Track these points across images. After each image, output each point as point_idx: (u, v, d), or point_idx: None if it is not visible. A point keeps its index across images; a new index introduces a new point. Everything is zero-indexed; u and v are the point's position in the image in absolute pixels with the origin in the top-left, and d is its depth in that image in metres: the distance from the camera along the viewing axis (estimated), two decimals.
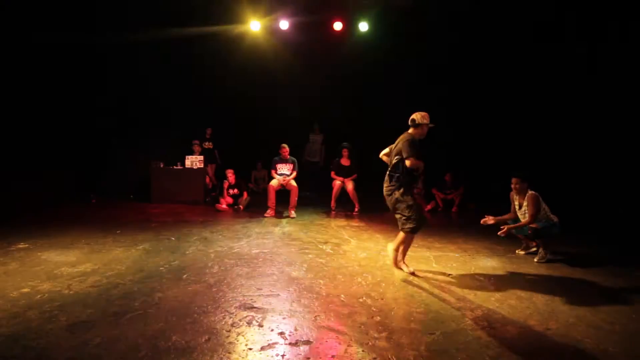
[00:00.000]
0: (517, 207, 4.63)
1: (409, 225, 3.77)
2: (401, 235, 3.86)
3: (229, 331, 2.64)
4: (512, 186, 4.62)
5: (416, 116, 3.87)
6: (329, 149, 9.42)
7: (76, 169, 8.25)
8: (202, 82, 9.45)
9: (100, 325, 2.69)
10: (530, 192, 4.47)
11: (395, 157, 3.82)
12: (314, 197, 8.86)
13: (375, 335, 2.64)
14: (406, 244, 3.92)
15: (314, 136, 9.89)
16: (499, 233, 4.44)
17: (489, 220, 4.50)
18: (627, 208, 6.44)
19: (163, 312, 2.91)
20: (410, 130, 3.88)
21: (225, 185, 7.61)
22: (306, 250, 4.68)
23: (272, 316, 2.88)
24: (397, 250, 3.95)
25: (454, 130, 9.21)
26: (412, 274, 3.84)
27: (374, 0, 8.17)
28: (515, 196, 4.66)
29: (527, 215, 4.45)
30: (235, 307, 3.01)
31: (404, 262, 3.96)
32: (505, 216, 4.66)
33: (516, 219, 4.63)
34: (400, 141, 3.82)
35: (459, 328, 2.77)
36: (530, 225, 4.39)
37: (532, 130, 8.29)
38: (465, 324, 2.84)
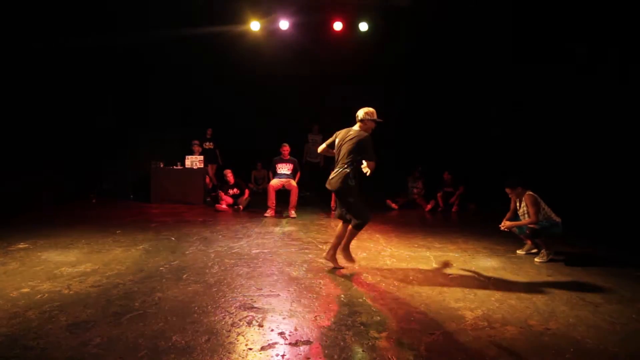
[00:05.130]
0: (518, 206, 4.65)
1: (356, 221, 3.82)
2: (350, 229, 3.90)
3: (229, 331, 2.64)
4: (509, 196, 4.68)
5: (359, 112, 3.84)
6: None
7: (76, 169, 8.26)
8: (202, 82, 9.45)
9: (100, 325, 2.69)
10: (528, 193, 4.48)
11: (350, 155, 3.73)
12: (314, 197, 8.86)
13: (375, 335, 2.64)
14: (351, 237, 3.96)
15: (313, 136, 9.89)
16: (500, 226, 4.55)
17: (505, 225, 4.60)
18: (626, 208, 6.43)
19: (163, 312, 2.91)
20: (357, 127, 3.83)
21: (222, 195, 7.55)
22: (306, 250, 4.68)
23: (272, 316, 2.88)
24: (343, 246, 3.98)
25: (453, 129, 9.23)
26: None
27: (374, 0, 8.17)
28: (515, 198, 4.69)
29: (527, 215, 4.47)
30: (235, 307, 3.01)
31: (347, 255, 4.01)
32: (507, 215, 4.70)
33: (514, 218, 4.65)
34: (354, 139, 3.73)
35: (459, 328, 2.77)
36: (529, 225, 4.41)
37: (533, 131, 8.29)
38: (465, 324, 2.84)
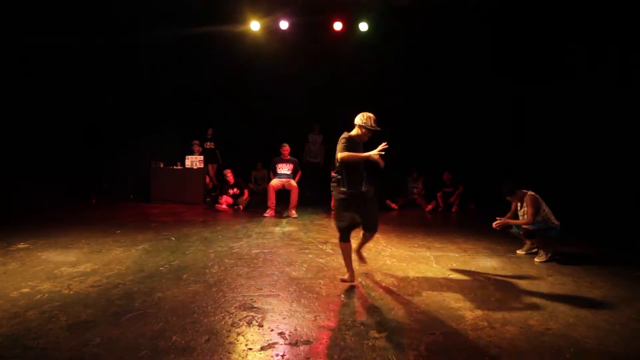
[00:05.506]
0: (518, 206, 4.64)
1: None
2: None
3: (229, 331, 2.64)
4: (511, 200, 4.68)
5: (357, 117, 3.65)
6: (329, 148, 9.42)
7: (76, 169, 8.26)
8: (202, 82, 9.45)
9: (100, 325, 2.69)
10: (529, 193, 4.47)
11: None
12: (315, 197, 8.85)
13: (375, 335, 2.64)
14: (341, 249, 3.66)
15: (313, 136, 9.89)
16: (493, 224, 4.50)
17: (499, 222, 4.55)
18: (626, 208, 6.43)
19: (163, 312, 2.91)
20: (354, 131, 3.66)
21: (222, 200, 7.54)
22: (306, 250, 4.68)
23: (272, 316, 2.88)
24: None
25: (453, 129, 9.23)
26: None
27: (374, 0, 8.16)
28: (516, 202, 4.68)
29: (526, 215, 4.47)
30: (235, 307, 3.01)
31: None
32: (507, 215, 4.69)
33: (515, 218, 4.65)
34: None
35: (459, 328, 2.77)
36: (523, 226, 4.42)
37: (533, 130, 8.29)
38: (465, 324, 2.84)
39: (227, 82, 9.38)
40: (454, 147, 9.05)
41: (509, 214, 4.70)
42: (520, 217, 4.58)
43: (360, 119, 3.64)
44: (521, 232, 4.49)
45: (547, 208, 4.47)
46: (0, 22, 6.37)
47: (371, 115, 3.64)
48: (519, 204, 4.64)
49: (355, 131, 3.66)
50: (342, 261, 4.24)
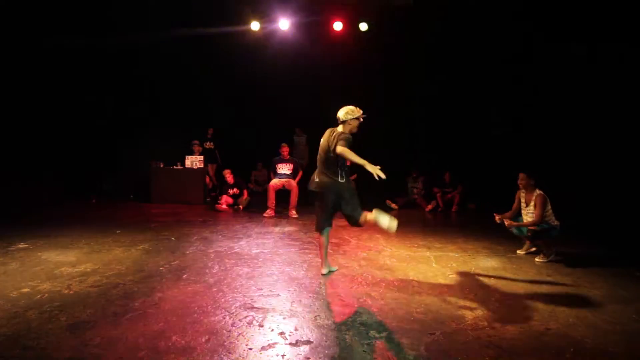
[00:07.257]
0: (523, 205, 4.59)
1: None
2: None
3: (229, 331, 2.64)
4: (519, 182, 4.58)
5: (340, 113, 3.65)
6: (312, 150, 9.42)
7: (76, 169, 8.26)
8: (202, 82, 9.46)
9: (100, 325, 2.69)
10: (538, 191, 4.44)
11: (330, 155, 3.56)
12: (314, 198, 8.85)
13: (375, 335, 2.64)
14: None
15: (298, 138, 9.83)
16: (497, 218, 4.52)
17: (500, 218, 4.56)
18: (626, 208, 6.43)
19: (163, 312, 2.91)
20: (340, 128, 3.65)
21: (222, 200, 7.52)
22: (306, 250, 4.68)
23: (272, 316, 2.88)
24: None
25: (453, 129, 9.24)
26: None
27: (374, 0, 8.17)
28: (522, 194, 4.63)
29: (533, 215, 4.43)
30: (235, 307, 3.01)
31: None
32: (507, 214, 4.67)
33: (516, 218, 4.63)
34: (329, 138, 3.60)
35: (459, 328, 2.76)
36: (529, 227, 4.39)
37: (534, 130, 8.29)
38: (465, 324, 2.83)
39: (227, 81, 9.39)
40: (455, 147, 9.06)
41: (509, 213, 4.67)
42: (525, 216, 4.55)
43: (345, 113, 3.62)
44: (529, 234, 4.45)
45: (550, 208, 4.46)
46: (1, 23, 6.37)
47: (352, 106, 3.68)
48: (523, 203, 4.60)
49: (346, 128, 3.62)
50: (341, 261, 4.27)
